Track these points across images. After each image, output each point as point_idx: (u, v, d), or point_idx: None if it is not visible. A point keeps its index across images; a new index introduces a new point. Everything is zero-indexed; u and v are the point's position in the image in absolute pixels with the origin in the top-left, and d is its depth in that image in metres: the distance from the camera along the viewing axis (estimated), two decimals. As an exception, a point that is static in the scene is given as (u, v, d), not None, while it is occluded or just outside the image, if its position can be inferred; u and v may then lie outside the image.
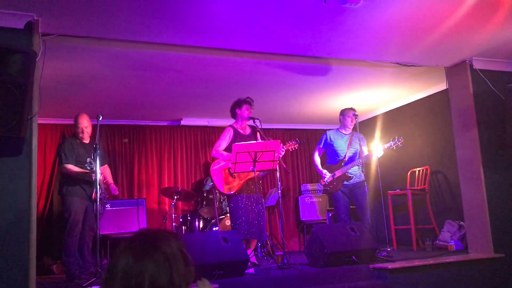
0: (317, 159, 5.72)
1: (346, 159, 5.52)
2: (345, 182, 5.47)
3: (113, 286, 1.29)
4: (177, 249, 1.36)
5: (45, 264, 5.86)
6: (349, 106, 5.72)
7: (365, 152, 5.60)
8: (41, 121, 4.43)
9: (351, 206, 5.60)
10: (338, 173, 5.48)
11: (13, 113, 3.28)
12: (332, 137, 5.64)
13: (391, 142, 5.43)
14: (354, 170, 5.48)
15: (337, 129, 5.76)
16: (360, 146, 5.54)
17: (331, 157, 5.67)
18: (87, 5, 3.53)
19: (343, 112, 5.68)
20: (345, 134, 5.65)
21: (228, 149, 4.94)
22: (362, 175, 5.44)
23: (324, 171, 5.56)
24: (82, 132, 4.98)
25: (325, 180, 5.54)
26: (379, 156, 5.44)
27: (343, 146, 5.57)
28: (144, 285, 1.27)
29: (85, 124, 5.00)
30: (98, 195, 4.47)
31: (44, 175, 6.70)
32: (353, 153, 5.56)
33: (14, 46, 3.41)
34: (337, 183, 5.48)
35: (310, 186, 8.08)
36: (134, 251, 1.32)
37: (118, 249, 1.36)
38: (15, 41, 3.54)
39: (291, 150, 5.32)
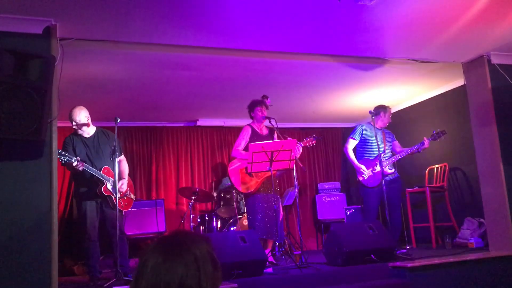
0: (352, 152, 5.56)
1: (387, 154, 5.43)
2: (384, 179, 5.32)
3: (141, 284, 1.30)
4: (206, 253, 1.36)
5: (66, 265, 5.94)
6: (379, 104, 5.70)
7: (398, 147, 5.65)
8: (60, 124, 4.48)
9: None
10: (378, 169, 5.37)
11: (33, 117, 3.36)
12: (367, 130, 5.54)
13: (435, 135, 5.47)
14: (390, 166, 5.44)
15: (369, 122, 5.67)
16: (391, 141, 5.53)
17: (367, 151, 5.54)
18: (103, 9, 3.58)
19: (385, 109, 5.60)
20: (377, 129, 5.51)
21: (246, 149, 4.96)
22: (396, 171, 5.43)
23: (363, 166, 5.45)
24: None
25: (364, 175, 5.44)
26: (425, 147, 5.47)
27: (379, 141, 5.38)
28: (173, 285, 1.28)
29: (78, 118, 4.54)
30: (117, 193, 4.43)
31: (64, 177, 6.78)
32: (390, 149, 5.51)
33: (34, 51, 3.48)
34: (377, 178, 5.39)
35: (327, 185, 8.05)
36: (164, 250, 1.33)
37: (148, 247, 1.37)
38: (34, 46, 3.60)
39: (308, 146, 5.22)
